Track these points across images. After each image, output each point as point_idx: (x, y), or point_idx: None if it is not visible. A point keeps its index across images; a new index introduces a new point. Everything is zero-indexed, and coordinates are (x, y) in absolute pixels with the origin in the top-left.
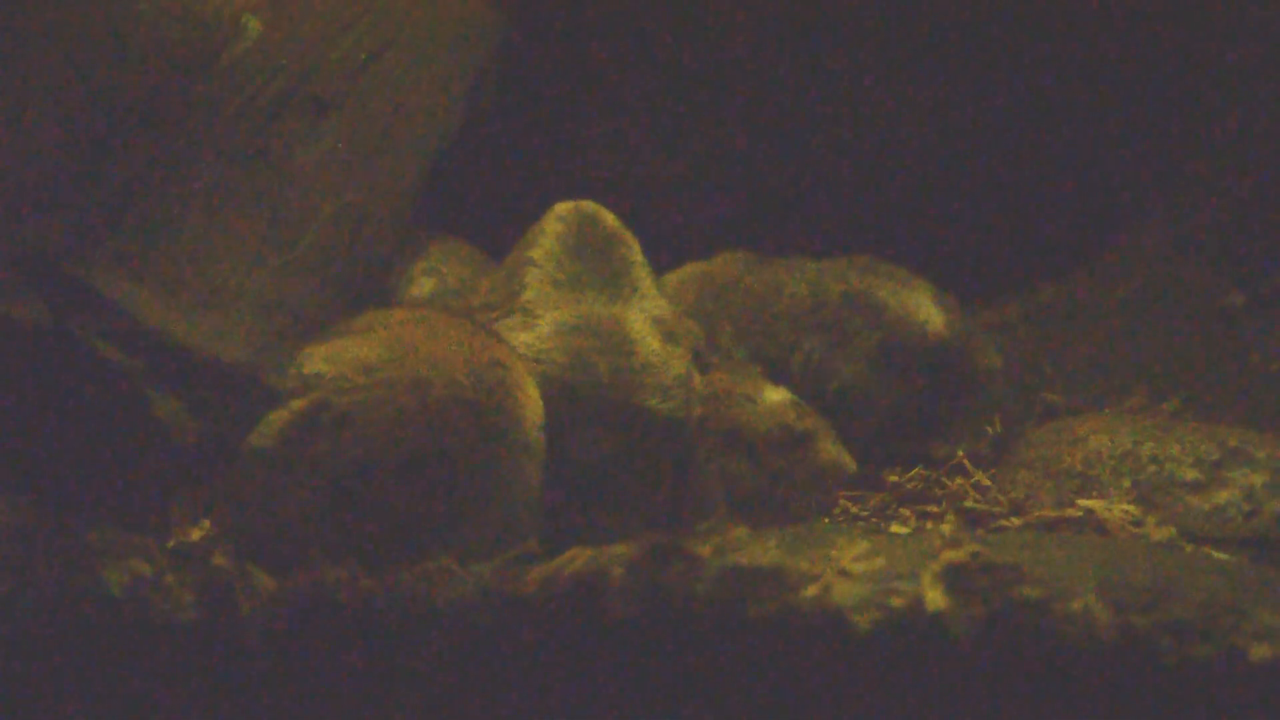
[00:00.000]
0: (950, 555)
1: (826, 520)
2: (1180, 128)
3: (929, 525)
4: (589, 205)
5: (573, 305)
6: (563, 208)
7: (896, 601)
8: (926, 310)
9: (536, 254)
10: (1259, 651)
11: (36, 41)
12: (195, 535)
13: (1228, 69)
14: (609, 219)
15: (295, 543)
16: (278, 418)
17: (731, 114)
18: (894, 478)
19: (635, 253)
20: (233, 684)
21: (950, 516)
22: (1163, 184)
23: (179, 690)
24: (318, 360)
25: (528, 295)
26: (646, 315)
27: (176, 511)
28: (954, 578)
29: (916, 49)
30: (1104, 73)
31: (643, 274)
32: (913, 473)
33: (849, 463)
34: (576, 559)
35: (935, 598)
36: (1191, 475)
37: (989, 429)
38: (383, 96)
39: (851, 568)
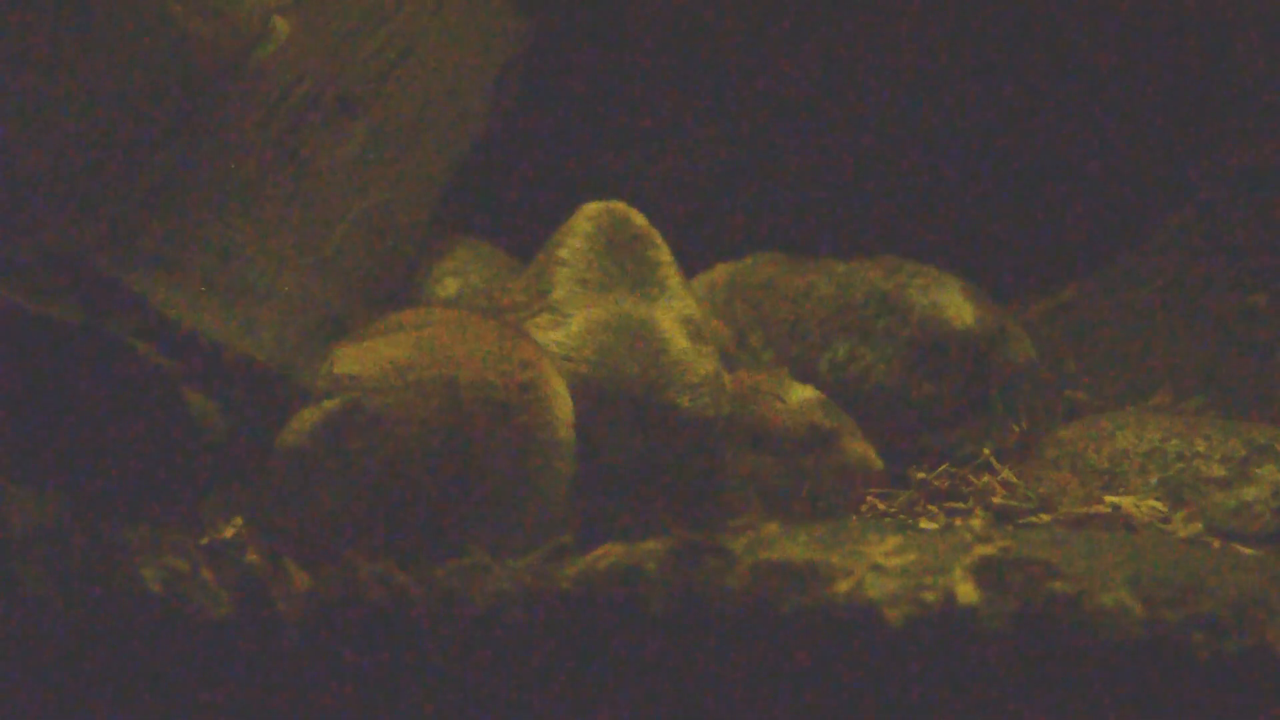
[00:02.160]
0: (982, 550)
1: (854, 517)
2: (1203, 127)
3: (957, 522)
4: (618, 205)
5: (602, 305)
6: (592, 208)
7: (929, 595)
8: (956, 306)
9: (565, 253)
10: None
11: (70, 42)
12: (228, 533)
13: (1249, 68)
14: (638, 219)
15: (327, 540)
16: (310, 417)
17: (761, 114)
18: (921, 475)
19: (664, 253)
20: (269, 680)
21: (979, 513)
22: (1186, 183)
23: (215, 686)
24: (349, 360)
25: (557, 294)
26: (675, 314)
27: (209, 509)
28: (986, 572)
29: (944, 51)
30: (1127, 72)
31: (671, 274)
32: (940, 470)
33: (876, 460)
34: (610, 554)
35: (968, 592)
36: (1218, 472)
37: (1015, 427)
38: (409, 98)
39: (884, 562)
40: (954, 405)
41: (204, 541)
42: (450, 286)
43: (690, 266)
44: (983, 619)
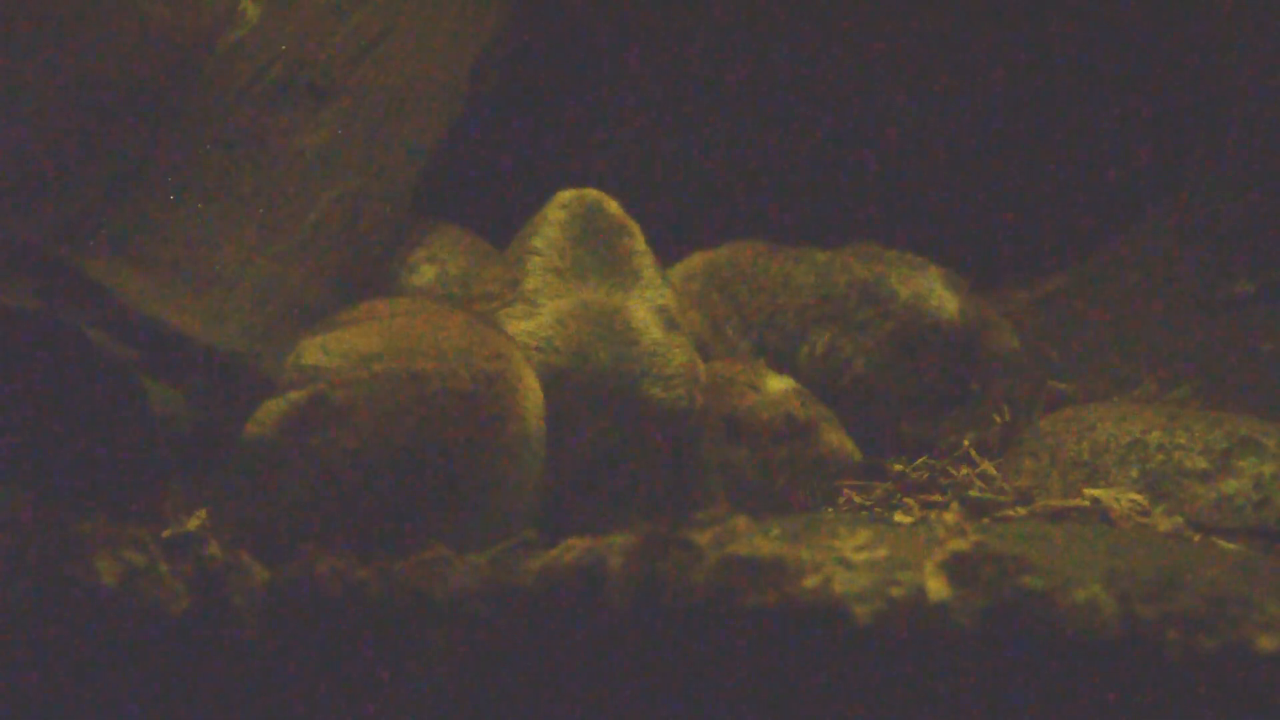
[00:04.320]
0: (954, 545)
1: (830, 510)
2: (1188, 115)
3: (933, 515)
4: (592, 193)
5: (575, 294)
6: (566, 195)
7: (898, 592)
8: (938, 295)
9: (539, 242)
10: (1266, 643)
11: (30, 26)
12: (191, 525)
13: (1234, 56)
14: (612, 207)
15: (292, 533)
16: (275, 408)
17: (738, 101)
18: (899, 467)
19: (639, 241)
20: (225, 675)
21: (954, 506)
22: (1171, 171)
23: (171, 681)
24: (315, 351)
25: (529, 284)
26: (650, 304)
27: (172, 501)
28: (957, 568)
29: (929, 39)
30: (1111, 61)
31: (646, 263)
32: (918, 462)
33: (853, 452)
34: (573, 549)
35: (938, 588)
36: (1200, 464)
37: (997, 418)
38: (383, 82)
39: (853, 557)
40: (936, 396)
41: (166, 534)
42: (427, 274)
43: (666, 255)
44: (953, 615)
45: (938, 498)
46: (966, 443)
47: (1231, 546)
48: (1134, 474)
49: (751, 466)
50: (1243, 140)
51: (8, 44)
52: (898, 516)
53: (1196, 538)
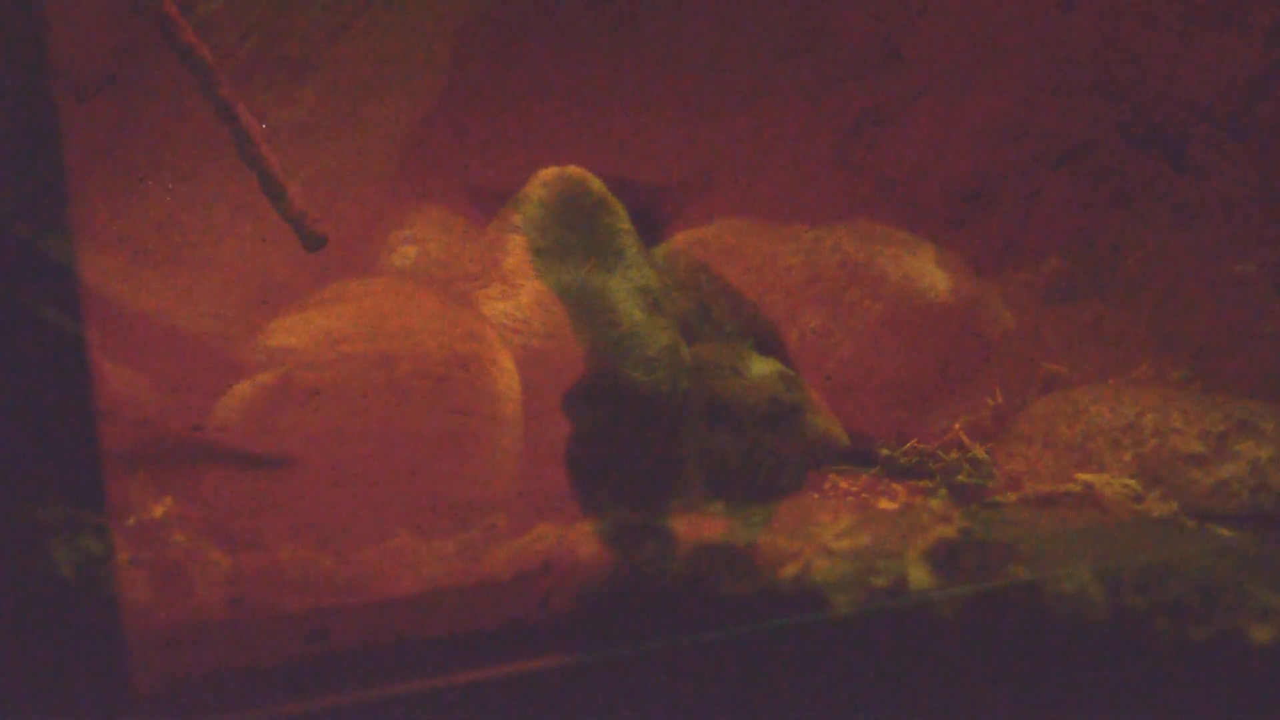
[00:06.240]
0: (940, 531)
1: (815, 496)
2: (1191, 92)
3: (917, 501)
4: (575, 171)
5: (555, 274)
6: (548, 173)
7: (880, 581)
8: (930, 276)
9: (519, 221)
10: (1260, 633)
11: None
12: (157, 513)
13: (1233, 31)
14: (595, 185)
15: (259, 521)
16: (243, 392)
17: (725, 78)
18: (886, 451)
19: (622, 220)
20: (188, 667)
21: (942, 492)
22: (1172, 149)
23: (130, 673)
24: (284, 333)
25: (509, 264)
26: (632, 285)
27: (137, 489)
28: (942, 555)
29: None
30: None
31: (629, 242)
32: (906, 446)
33: (840, 436)
34: (545, 537)
35: (921, 576)
36: (1195, 448)
37: (989, 400)
38: (362, 57)
39: (834, 545)
40: (928, 379)
41: (131, 522)
42: (407, 254)
43: (650, 235)
44: (937, 605)
45: (926, 483)
46: (958, 426)
47: (1227, 533)
48: (1127, 458)
49: (735, 451)
50: (1245, 116)
51: None
52: (883, 503)
53: (1191, 524)
